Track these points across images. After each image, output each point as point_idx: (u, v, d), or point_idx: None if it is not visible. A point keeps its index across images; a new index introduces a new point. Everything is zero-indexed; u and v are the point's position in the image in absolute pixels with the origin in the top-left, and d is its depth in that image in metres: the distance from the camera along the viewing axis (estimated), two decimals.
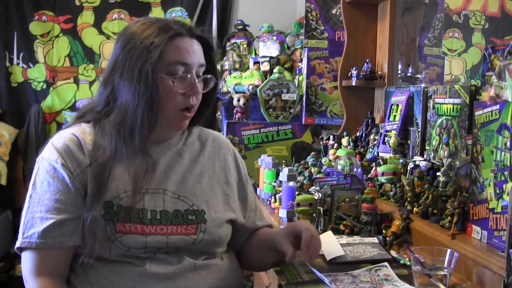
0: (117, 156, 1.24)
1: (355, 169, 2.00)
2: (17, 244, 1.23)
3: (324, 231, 1.62)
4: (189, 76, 1.27)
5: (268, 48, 3.40)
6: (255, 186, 2.50)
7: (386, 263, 1.35)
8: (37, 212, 1.21)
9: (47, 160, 1.25)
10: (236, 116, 2.86)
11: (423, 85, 2.07)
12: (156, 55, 1.23)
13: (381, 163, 1.95)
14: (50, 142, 1.28)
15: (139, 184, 1.25)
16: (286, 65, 3.30)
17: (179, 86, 1.27)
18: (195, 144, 1.40)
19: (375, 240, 1.52)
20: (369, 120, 2.37)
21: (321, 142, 2.63)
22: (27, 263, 1.22)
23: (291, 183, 1.95)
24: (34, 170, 1.27)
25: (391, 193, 1.78)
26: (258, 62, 3.28)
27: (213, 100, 1.40)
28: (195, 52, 1.29)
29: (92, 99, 1.37)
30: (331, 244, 1.45)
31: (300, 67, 3.11)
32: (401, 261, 1.37)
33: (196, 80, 1.29)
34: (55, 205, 1.21)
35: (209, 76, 1.33)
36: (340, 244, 1.45)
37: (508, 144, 1.20)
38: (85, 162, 1.24)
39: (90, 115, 1.32)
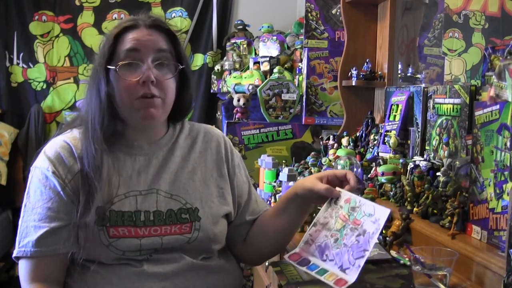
0: (94, 159, 1.23)
1: (355, 169, 1.99)
2: (14, 254, 1.24)
3: None
4: (139, 63, 1.24)
5: (268, 48, 3.40)
6: (255, 186, 2.50)
7: (340, 190, 1.26)
8: (31, 221, 1.22)
9: (40, 168, 1.25)
10: (236, 116, 2.86)
11: (423, 85, 2.07)
12: (106, 49, 1.25)
13: (381, 163, 1.95)
14: (43, 150, 1.28)
15: (123, 188, 1.25)
16: (286, 65, 3.30)
17: (128, 74, 1.24)
18: (186, 141, 1.39)
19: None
20: (369, 120, 2.37)
21: (321, 142, 2.63)
22: (22, 271, 1.23)
23: (291, 183, 1.95)
24: (29, 179, 1.27)
25: (391, 193, 1.78)
26: (258, 62, 3.28)
27: (188, 90, 1.35)
28: (149, 39, 1.26)
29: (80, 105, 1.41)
30: None
31: (300, 67, 3.11)
32: (401, 261, 1.37)
33: (151, 67, 1.24)
34: (48, 213, 1.21)
35: (173, 63, 1.28)
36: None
37: (508, 144, 1.20)
38: (76, 168, 1.24)
39: (78, 121, 1.34)
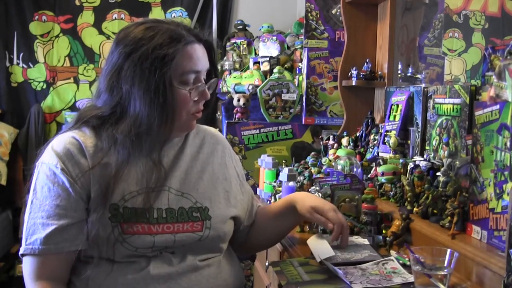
0: (127, 163, 1.24)
1: (355, 169, 2.00)
2: (21, 251, 1.23)
3: (324, 231, 1.62)
4: (200, 84, 1.30)
5: (268, 48, 3.40)
6: (255, 186, 2.50)
7: (392, 257, 1.38)
8: (38, 218, 1.21)
9: (47, 164, 1.23)
10: (236, 116, 2.86)
11: (423, 85, 2.07)
12: (173, 66, 1.24)
13: (381, 163, 1.95)
14: (50, 146, 1.26)
15: (136, 185, 1.25)
16: (286, 65, 3.30)
17: (194, 95, 1.29)
18: (194, 140, 1.41)
19: (365, 241, 1.52)
20: (369, 120, 2.37)
21: (321, 142, 2.63)
22: (27, 268, 1.23)
23: (291, 183, 1.95)
24: (34, 174, 1.26)
25: (391, 193, 1.78)
26: (258, 62, 3.28)
27: (214, 98, 1.43)
28: (203, 58, 1.31)
29: (92, 104, 1.33)
30: (321, 245, 1.45)
31: (300, 67, 3.11)
32: (401, 261, 1.37)
33: (206, 87, 1.32)
34: (56, 210, 1.21)
35: (213, 80, 1.36)
36: (331, 246, 1.46)
37: (508, 144, 1.19)
38: (86, 166, 1.23)
39: (93, 121, 1.29)
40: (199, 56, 1.29)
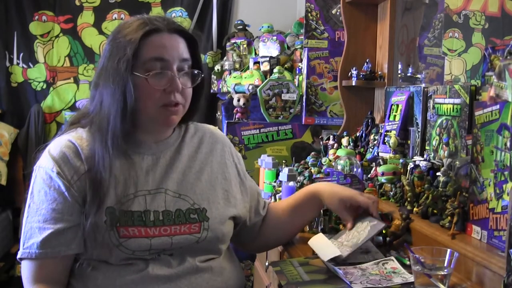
0: (108, 161, 1.22)
1: (355, 169, 2.00)
2: (19, 255, 1.23)
3: (324, 230, 1.62)
4: (167, 72, 1.24)
5: (268, 48, 3.40)
6: None
7: (392, 257, 1.38)
8: (35, 222, 1.21)
9: (44, 168, 1.23)
10: (236, 116, 2.86)
11: (423, 85, 2.07)
12: (131, 53, 1.20)
13: (381, 163, 1.95)
14: (47, 149, 1.26)
15: (132, 188, 1.24)
16: (286, 65, 3.30)
17: (156, 83, 1.23)
18: (192, 140, 1.39)
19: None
20: (369, 120, 2.37)
21: (321, 142, 2.63)
22: (25, 271, 1.23)
23: (291, 183, 1.95)
24: (32, 178, 1.26)
25: (391, 193, 1.78)
26: (258, 62, 3.27)
27: (202, 94, 1.37)
28: (174, 47, 1.25)
29: (87, 104, 1.34)
30: (325, 245, 1.45)
31: (300, 67, 3.11)
32: (401, 261, 1.37)
33: (177, 76, 1.25)
34: (52, 214, 1.21)
35: (196, 71, 1.30)
36: (335, 237, 1.47)
37: (508, 144, 1.19)
38: (83, 169, 1.22)
39: (84, 120, 1.30)
40: (166, 44, 1.24)
